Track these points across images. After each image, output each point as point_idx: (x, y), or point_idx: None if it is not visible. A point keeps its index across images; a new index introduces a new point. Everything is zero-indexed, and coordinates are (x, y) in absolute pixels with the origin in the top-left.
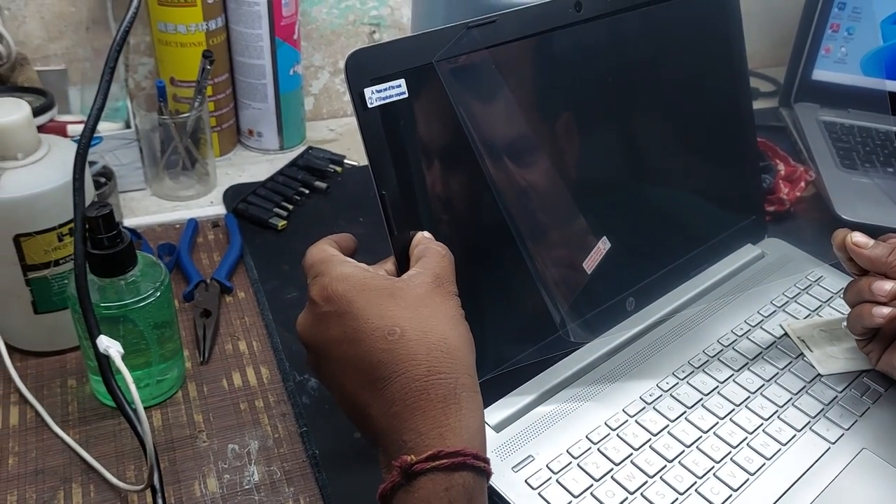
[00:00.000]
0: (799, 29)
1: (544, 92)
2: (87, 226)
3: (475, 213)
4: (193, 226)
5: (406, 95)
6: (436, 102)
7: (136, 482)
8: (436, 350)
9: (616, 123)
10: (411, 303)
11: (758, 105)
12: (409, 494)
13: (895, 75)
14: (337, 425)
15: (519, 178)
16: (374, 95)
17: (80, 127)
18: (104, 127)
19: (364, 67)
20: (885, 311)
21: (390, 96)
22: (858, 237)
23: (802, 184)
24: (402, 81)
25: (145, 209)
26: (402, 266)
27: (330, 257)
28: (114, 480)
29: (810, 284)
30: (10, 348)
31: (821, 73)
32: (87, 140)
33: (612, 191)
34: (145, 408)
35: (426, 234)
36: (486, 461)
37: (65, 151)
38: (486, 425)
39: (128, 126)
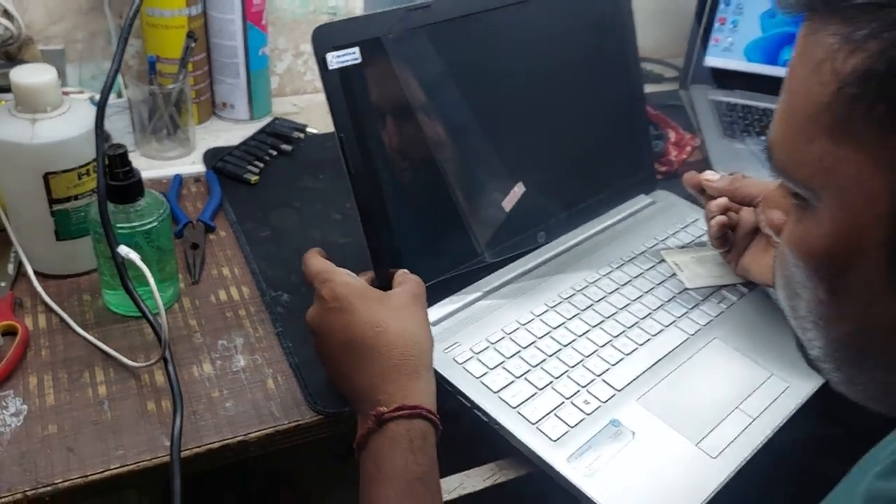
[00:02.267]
0: (693, 22)
1: (469, 62)
2: (106, 162)
3: (416, 155)
4: (179, 180)
5: (360, 61)
6: (382, 67)
7: (147, 364)
8: (408, 342)
9: (530, 92)
10: (394, 309)
11: (662, 88)
12: (381, 436)
13: (774, 60)
14: (304, 327)
15: (448, 132)
16: (334, 59)
17: (79, 96)
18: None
19: (327, 38)
20: (714, 208)
21: (346, 61)
22: (709, 174)
23: (688, 149)
24: (356, 49)
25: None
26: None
27: (331, 267)
28: (129, 363)
29: (688, 224)
30: (34, 272)
31: (711, 60)
32: (106, 94)
33: (528, 146)
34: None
35: (405, 270)
36: (437, 417)
37: (82, 108)
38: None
39: (119, 97)
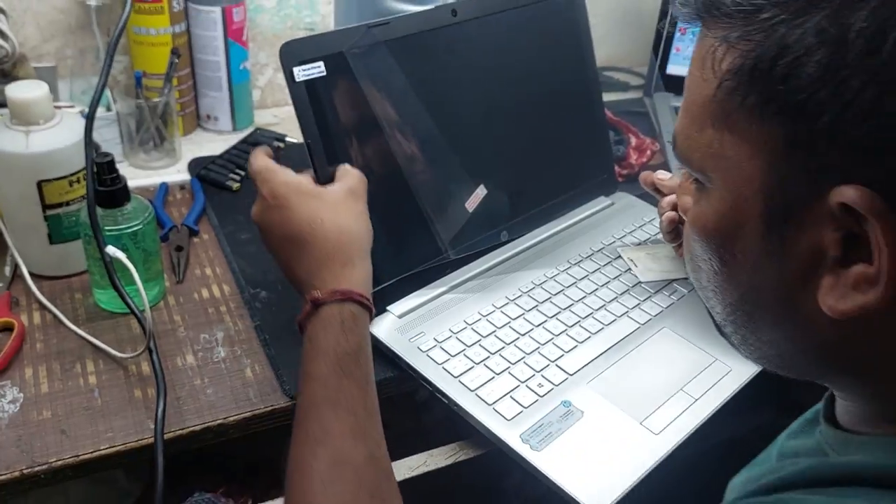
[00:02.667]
0: (656, 33)
1: (430, 73)
2: (95, 169)
3: (380, 160)
4: (165, 188)
5: (324, 74)
6: (346, 79)
7: (134, 354)
8: (343, 234)
9: (491, 100)
10: (331, 203)
11: (629, 96)
12: (316, 318)
13: None
14: (280, 321)
15: (410, 138)
16: (301, 73)
17: (70, 110)
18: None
19: (293, 53)
20: (665, 204)
21: (312, 74)
22: (661, 174)
23: (648, 152)
24: (321, 63)
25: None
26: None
27: (273, 166)
28: (118, 354)
29: (645, 223)
30: (29, 273)
31: (673, 68)
32: (94, 107)
33: (490, 151)
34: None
35: (346, 165)
36: (369, 300)
37: (73, 120)
38: (385, 303)
39: (109, 110)
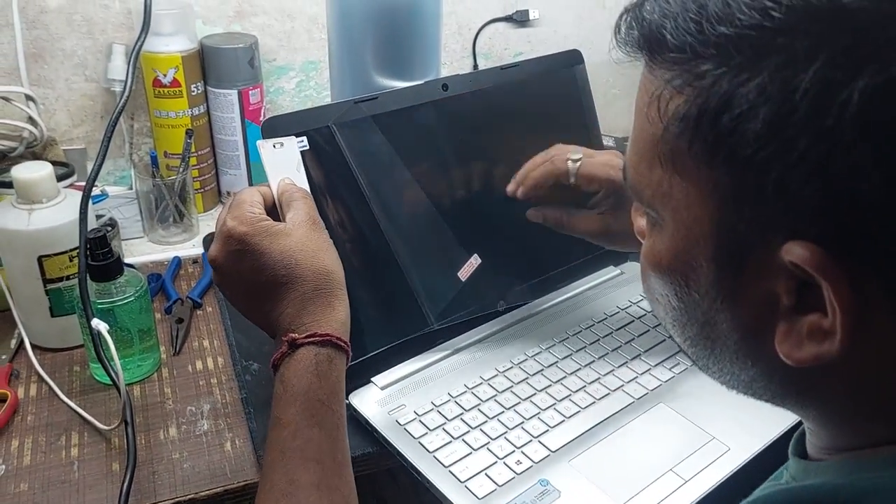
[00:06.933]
0: None
1: (421, 147)
2: (88, 245)
3: (365, 230)
4: (177, 261)
5: (307, 147)
6: (330, 152)
7: (112, 427)
8: (319, 275)
9: (488, 170)
10: (300, 241)
11: None
12: (291, 359)
13: None
14: (268, 393)
15: (394, 209)
16: None
17: (95, 189)
18: (113, 190)
19: (276, 127)
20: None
21: None
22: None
23: None
24: (304, 138)
25: (142, 251)
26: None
27: (241, 210)
28: (102, 427)
29: None
30: (31, 345)
31: None
32: (90, 185)
33: (486, 221)
34: (128, 384)
35: (286, 179)
36: (347, 343)
37: (76, 199)
38: (361, 362)
39: (131, 188)
